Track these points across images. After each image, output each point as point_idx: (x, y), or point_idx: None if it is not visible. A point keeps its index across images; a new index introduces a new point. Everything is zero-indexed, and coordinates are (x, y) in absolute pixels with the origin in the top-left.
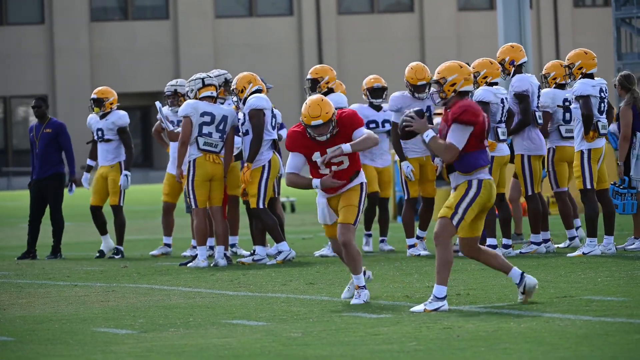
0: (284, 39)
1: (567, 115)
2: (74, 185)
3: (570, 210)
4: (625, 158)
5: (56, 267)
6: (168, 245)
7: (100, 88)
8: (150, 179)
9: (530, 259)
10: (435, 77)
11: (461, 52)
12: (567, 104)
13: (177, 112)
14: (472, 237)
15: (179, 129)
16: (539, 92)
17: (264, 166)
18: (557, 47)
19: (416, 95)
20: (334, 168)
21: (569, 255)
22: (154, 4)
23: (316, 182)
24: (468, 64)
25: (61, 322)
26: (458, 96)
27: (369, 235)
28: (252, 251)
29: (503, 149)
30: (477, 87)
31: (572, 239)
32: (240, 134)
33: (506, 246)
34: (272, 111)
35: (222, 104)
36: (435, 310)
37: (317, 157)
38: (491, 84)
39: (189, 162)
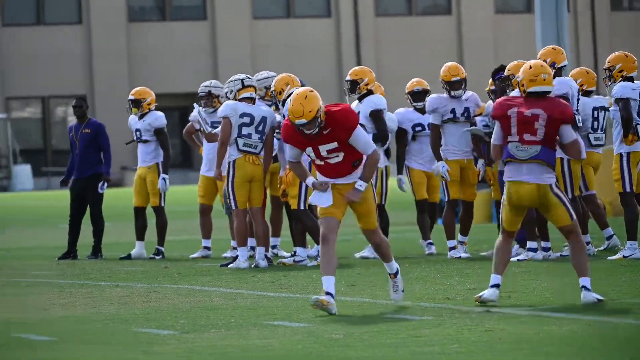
0: (322, 40)
1: (596, 123)
2: (105, 184)
3: (601, 210)
4: None
5: (97, 268)
6: (207, 248)
7: (137, 89)
8: (190, 179)
9: (568, 262)
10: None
11: (498, 55)
12: (595, 113)
13: (211, 113)
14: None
15: (216, 130)
16: (578, 95)
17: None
18: (594, 51)
19: (452, 93)
20: (329, 162)
21: (609, 258)
22: (191, 4)
23: (309, 181)
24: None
25: (103, 322)
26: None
27: (431, 244)
28: (292, 252)
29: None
30: (614, 82)
31: (609, 237)
32: (280, 136)
33: (546, 249)
34: None
35: (270, 106)
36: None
37: (310, 151)
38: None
39: (229, 163)
